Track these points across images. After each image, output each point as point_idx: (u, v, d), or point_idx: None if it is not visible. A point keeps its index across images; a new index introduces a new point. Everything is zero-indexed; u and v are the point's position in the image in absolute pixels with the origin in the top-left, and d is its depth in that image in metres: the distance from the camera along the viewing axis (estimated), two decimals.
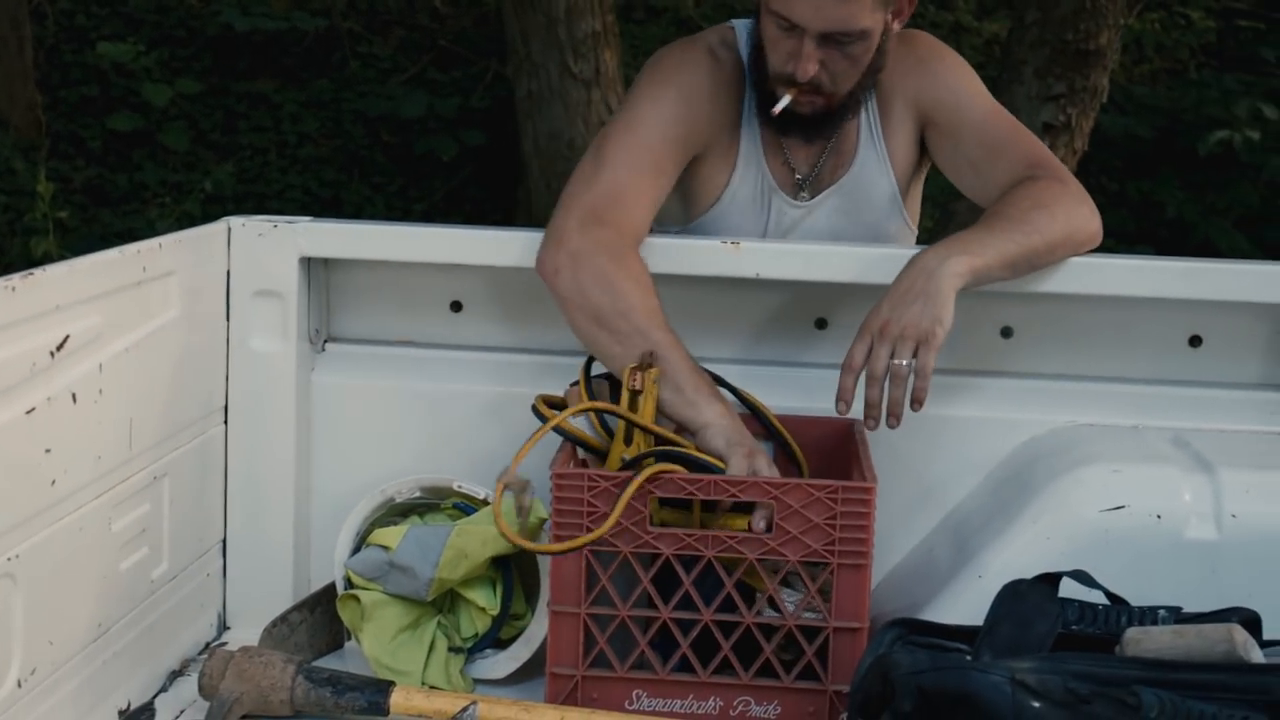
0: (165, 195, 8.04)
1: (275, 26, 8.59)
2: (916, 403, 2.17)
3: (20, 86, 8.29)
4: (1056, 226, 2.28)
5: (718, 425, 2.16)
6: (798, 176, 2.61)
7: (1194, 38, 9.08)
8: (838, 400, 2.19)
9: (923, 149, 2.62)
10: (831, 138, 2.59)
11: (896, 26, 2.51)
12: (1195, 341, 2.46)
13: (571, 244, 2.29)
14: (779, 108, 2.47)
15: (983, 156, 2.49)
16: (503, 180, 7.99)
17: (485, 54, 8.57)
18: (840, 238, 2.63)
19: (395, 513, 2.38)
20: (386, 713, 2.08)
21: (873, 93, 2.57)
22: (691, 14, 8.91)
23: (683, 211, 2.66)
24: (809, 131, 2.55)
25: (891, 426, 2.18)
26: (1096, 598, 2.01)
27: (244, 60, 8.66)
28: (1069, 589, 2.00)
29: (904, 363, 2.15)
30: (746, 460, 2.10)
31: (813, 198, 2.62)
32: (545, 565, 2.23)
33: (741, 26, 2.62)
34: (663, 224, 2.75)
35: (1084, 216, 2.32)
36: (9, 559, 1.81)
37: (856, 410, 2.21)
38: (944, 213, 5.99)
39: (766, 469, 2.11)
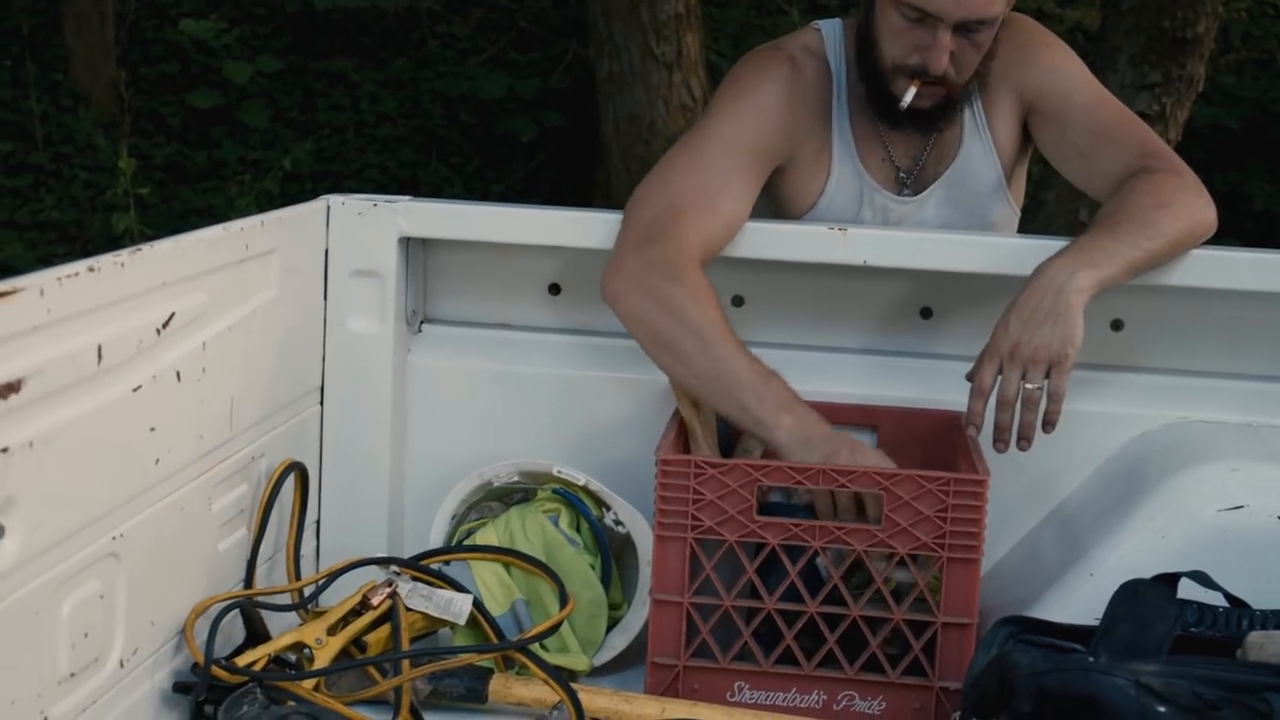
0: (244, 173, 8.07)
1: (355, 5, 8.60)
2: (1049, 425, 2.12)
3: (101, 63, 8.34)
4: (1178, 224, 2.21)
5: (792, 443, 2.10)
6: (901, 173, 2.55)
7: None
8: (967, 424, 2.14)
9: (1026, 136, 2.56)
10: (939, 130, 2.53)
11: (1006, 9, 2.45)
12: None
13: (626, 266, 2.24)
14: (907, 100, 2.40)
15: (1091, 144, 2.43)
16: (582, 162, 7.97)
17: (564, 35, 8.54)
18: (948, 229, 2.57)
19: (492, 497, 2.36)
20: (485, 700, 2.05)
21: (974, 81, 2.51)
22: None
23: (782, 217, 2.60)
24: (925, 124, 2.48)
25: (1022, 449, 2.13)
26: (1215, 599, 1.96)
27: (323, 39, 8.67)
28: (1186, 590, 1.94)
29: (1036, 386, 2.10)
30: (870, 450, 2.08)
31: (918, 193, 2.55)
32: (646, 554, 2.21)
33: (828, 27, 2.56)
34: None
35: (1202, 209, 2.26)
36: (114, 538, 1.79)
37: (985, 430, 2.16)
38: (1032, 202, 5.91)
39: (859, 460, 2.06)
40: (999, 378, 2.12)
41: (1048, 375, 2.10)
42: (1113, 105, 2.49)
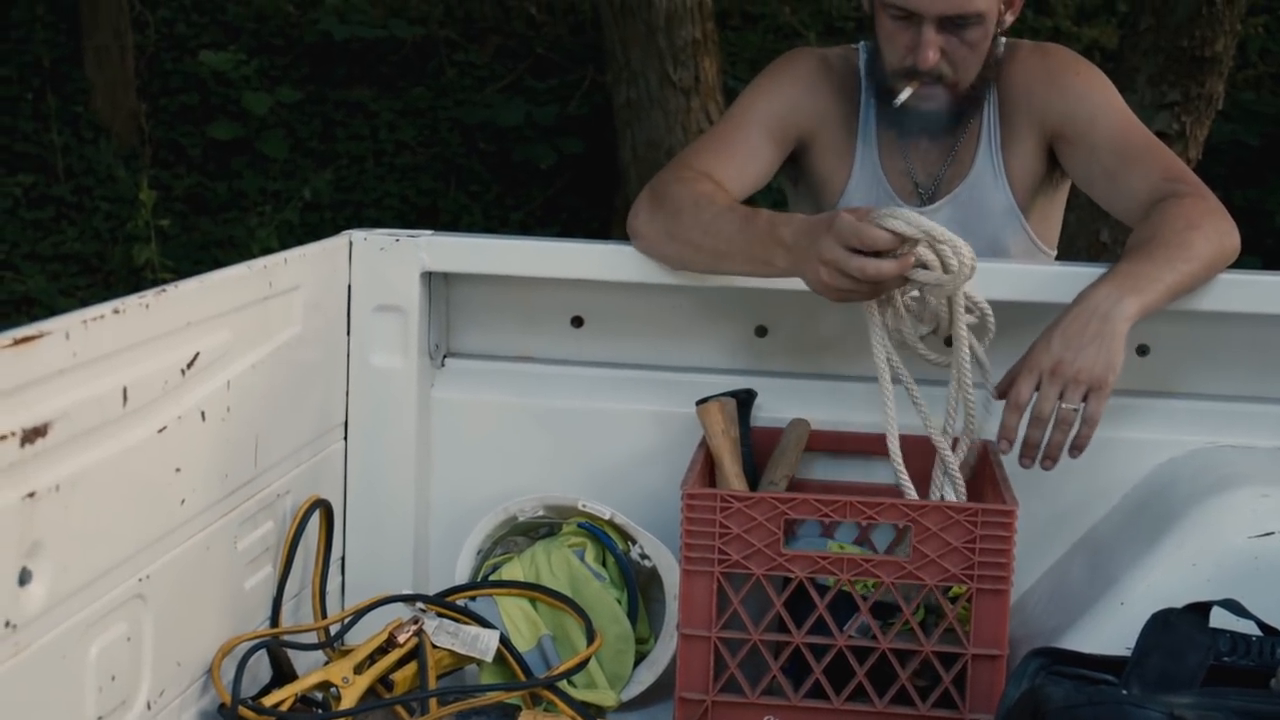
0: (264, 204, 8.09)
1: (372, 35, 8.63)
2: (1077, 449, 2.10)
3: (122, 95, 8.38)
4: (1211, 246, 2.22)
5: (792, 269, 2.15)
6: (920, 188, 2.60)
7: None
8: (1000, 438, 2.12)
9: (1054, 164, 2.57)
10: (951, 141, 2.58)
11: (1009, 19, 2.53)
12: None
13: (639, 200, 2.38)
14: (901, 98, 2.49)
15: (1118, 166, 2.44)
16: (600, 189, 7.97)
17: (582, 62, 8.56)
18: None
19: (517, 531, 2.35)
20: None
21: (995, 103, 2.57)
22: (789, 20, 8.85)
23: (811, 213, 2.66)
24: (932, 128, 2.55)
25: (1046, 468, 2.11)
26: (1248, 627, 1.94)
27: (341, 69, 8.70)
28: (1218, 618, 1.93)
29: (1072, 408, 2.08)
30: (824, 287, 2.08)
31: (928, 205, 2.61)
32: (673, 588, 2.20)
33: (866, 47, 2.66)
34: None
35: (1228, 233, 2.26)
36: (140, 579, 1.79)
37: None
38: None
39: (829, 251, 2.03)
40: (1035, 394, 2.09)
41: (1085, 398, 2.09)
42: (1140, 131, 2.52)
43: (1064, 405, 2.08)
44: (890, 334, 2.12)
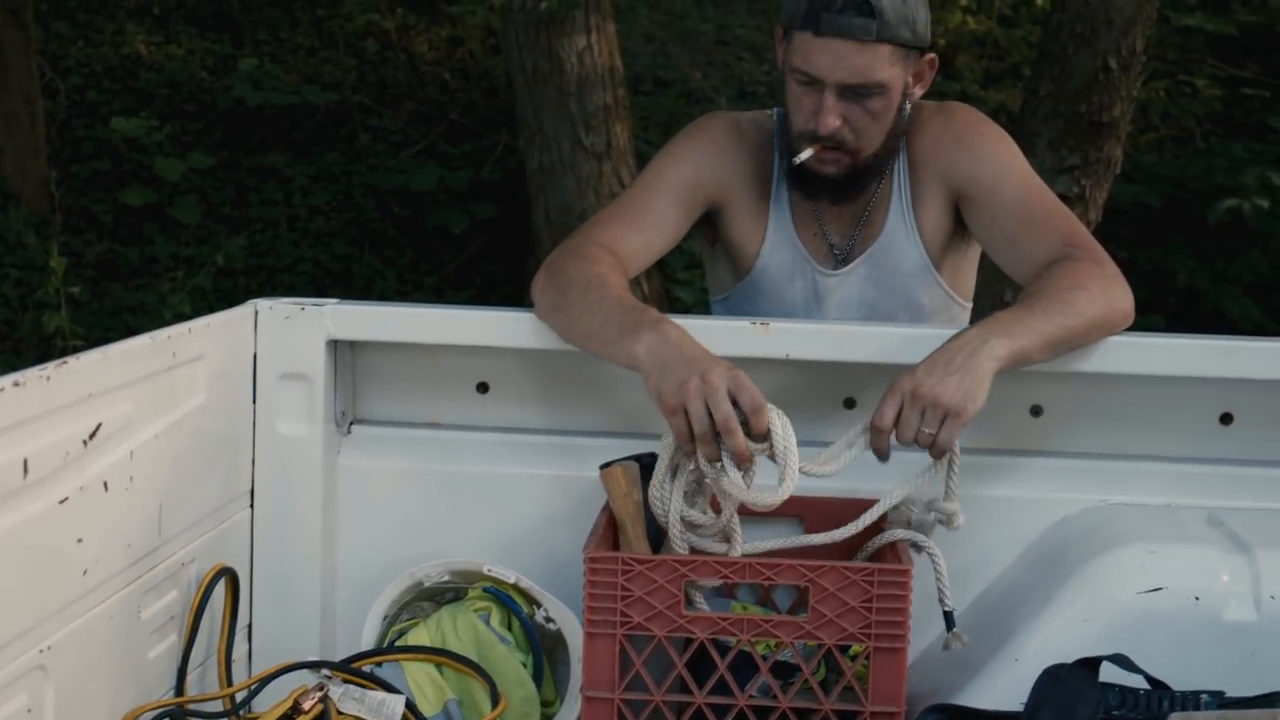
0: (177, 269, 8.05)
1: (286, 100, 8.63)
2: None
3: (32, 162, 8.32)
4: (1095, 308, 2.27)
5: (649, 364, 2.14)
6: (835, 250, 2.65)
7: (1200, 106, 9.10)
8: (878, 456, 2.17)
9: (962, 222, 2.63)
10: (861, 203, 2.63)
11: (917, 92, 2.57)
12: (1226, 419, 2.45)
13: (543, 268, 2.41)
14: (800, 158, 2.52)
15: (1018, 231, 2.50)
16: (514, 253, 8.01)
17: (495, 126, 8.60)
18: (873, 306, 2.65)
19: (423, 597, 2.37)
20: None
21: (905, 163, 2.61)
22: (700, 85, 8.95)
23: (728, 278, 2.74)
24: (835, 193, 2.59)
25: None
26: (1137, 682, 1.99)
27: (255, 134, 8.69)
28: (1108, 673, 1.97)
29: (928, 431, 2.12)
30: (682, 392, 2.07)
31: (843, 266, 2.65)
32: (578, 650, 2.22)
33: (781, 113, 2.68)
34: (712, 291, 2.78)
35: (1120, 297, 2.32)
36: (41, 650, 1.79)
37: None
38: None
39: (720, 378, 2.06)
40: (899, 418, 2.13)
41: (942, 423, 2.12)
42: (1043, 196, 2.56)
43: (923, 429, 2.12)
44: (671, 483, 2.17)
